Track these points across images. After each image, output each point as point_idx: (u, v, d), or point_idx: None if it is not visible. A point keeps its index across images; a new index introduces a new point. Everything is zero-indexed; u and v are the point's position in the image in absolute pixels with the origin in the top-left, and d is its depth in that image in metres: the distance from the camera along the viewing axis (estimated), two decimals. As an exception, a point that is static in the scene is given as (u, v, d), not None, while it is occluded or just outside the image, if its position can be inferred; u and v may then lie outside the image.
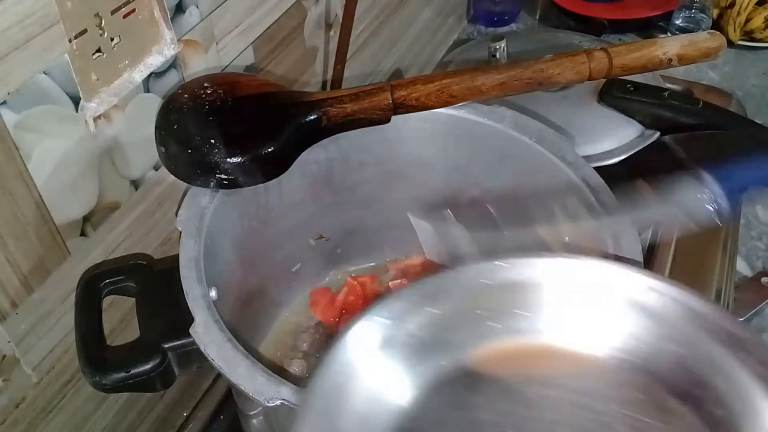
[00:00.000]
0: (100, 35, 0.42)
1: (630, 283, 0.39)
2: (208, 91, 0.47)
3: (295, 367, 0.54)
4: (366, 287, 0.60)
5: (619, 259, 0.43)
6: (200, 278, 0.42)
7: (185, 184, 0.47)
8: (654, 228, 0.65)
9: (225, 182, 0.46)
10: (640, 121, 0.74)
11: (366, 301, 0.59)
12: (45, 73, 0.39)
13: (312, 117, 0.48)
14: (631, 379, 0.38)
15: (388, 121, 0.49)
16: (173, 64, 0.48)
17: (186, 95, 0.47)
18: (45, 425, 0.47)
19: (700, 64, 1.03)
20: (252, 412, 0.48)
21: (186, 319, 0.40)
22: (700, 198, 0.45)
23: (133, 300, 0.46)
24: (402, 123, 0.55)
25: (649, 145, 0.71)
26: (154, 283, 0.46)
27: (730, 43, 1.04)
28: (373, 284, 0.61)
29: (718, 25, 1.05)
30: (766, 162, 0.52)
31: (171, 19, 0.46)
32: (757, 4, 1.03)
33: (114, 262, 0.49)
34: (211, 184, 0.46)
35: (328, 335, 0.58)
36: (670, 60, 0.49)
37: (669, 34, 1.06)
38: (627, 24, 1.07)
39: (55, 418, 0.47)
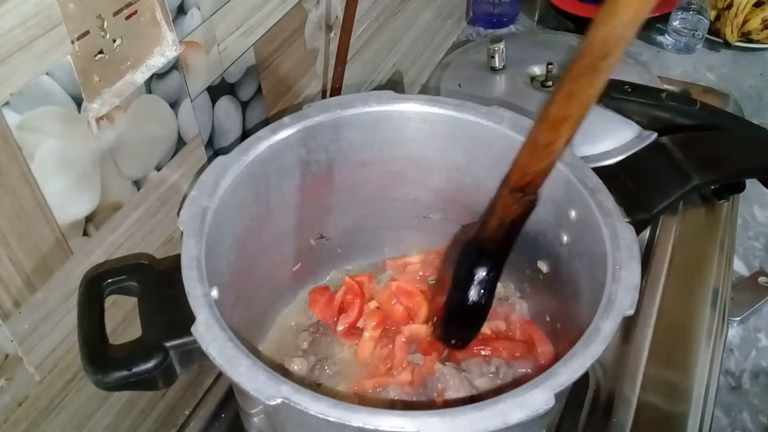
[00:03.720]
0: (103, 37, 0.42)
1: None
2: None
3: (296, 366, 0.54)
4: (363, 286, 0.61)
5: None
6: (202, 278, 0.42)
7: (187, 184, 0.47)
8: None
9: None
10: (637, 122, 0.75)
11: (364, 300, 0.60)
12: (47, 74, 0.39)
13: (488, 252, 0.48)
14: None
15: (533, 205, 0.46)
16: (175, 65, 0.49)
17: None
18: (47, 424, 0.47)
19: (697, 66, 1.04)
20: (253, 411, 0.48)
21: (187, 318, 0.40)
22: None
23: (135, 299, 0.46)
24: (402, 124, 0.56)
25: (646, 145, 0.71)
26: (156, 282, 0.46)
27: (728, 45, 1.04)
28: (371, 284, 0.62)
29: (715, 27, 1.05)
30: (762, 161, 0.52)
31: (173, 20, 0.47)
32: (754, 5, 1.03)
33: (116, 261, 0.49)
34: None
35: (327, 334, 0.59)
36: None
37: (667, 36, 1.06)
38: (625, 25, 1.08)
39: (58, 416, 0.48)
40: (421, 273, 0.62)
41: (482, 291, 0.47)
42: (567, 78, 0.38)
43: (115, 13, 0.42)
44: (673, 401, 0.59)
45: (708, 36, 1.05)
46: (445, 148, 0.57)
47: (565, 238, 0.52)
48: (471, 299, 0.47)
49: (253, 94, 0.60)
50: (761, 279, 0.73)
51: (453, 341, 0.52)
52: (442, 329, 0.52)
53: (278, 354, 0.57)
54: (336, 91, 0.68)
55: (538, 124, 0.41)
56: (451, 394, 0.52)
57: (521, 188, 0.44)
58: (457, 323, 0.51)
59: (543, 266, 0.56)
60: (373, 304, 0.59)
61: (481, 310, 0.48)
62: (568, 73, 0.38)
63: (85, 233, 0.45)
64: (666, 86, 0.80)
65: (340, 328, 0.58)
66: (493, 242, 0.47)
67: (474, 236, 0.48)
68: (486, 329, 0.57)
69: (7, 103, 0.37)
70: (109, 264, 0.48)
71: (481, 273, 0.47)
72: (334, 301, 0.60)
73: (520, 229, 0.47)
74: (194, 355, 0.42)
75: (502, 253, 0.48)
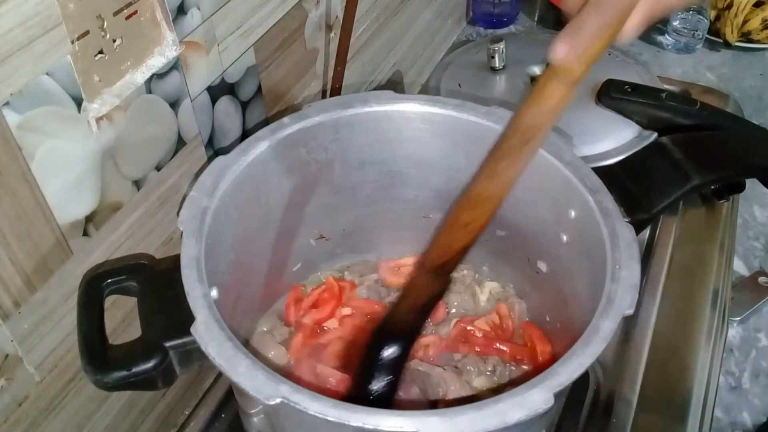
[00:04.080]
0: (103, 37, 0.42)
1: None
2: None
3: (271, 354, 0.55)
4: (344, 292, 0.60)
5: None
6: (201, 278, 0.42)
7: (187, 184, 0.47)
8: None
9: None
10: (637, 122, 0.75)
11: (339, 303, 0.59)
12: (47, 74, 0.39)
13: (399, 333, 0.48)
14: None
15: (446, 286, 0.47)
16: (175, 65, 0.49)
17: None
18: (47, 424, 0.47)
19: (697, 66, 1.04)
20: (253, 411, 0.48)
21: (187, 318, 0.40)
22: None
23: (134, 299, 0.46)
24: (402, 124, 0.56)
25: (646, 145, 0.71)
26: (156, 282, 0.46)
27: (728, 45, 1.04)
28: (352, 292, 0.61)
29: (715, 27, 1.05)
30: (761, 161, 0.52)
31: (173, 20, 0.47)
32: (754, 5, 1.03)
33: (116, 262, 0.49)
34: None
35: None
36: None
37: (667, 36, 1.06)
38: (625, 25, 1.08)
39: (58, 416, 0.48)
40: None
41: (390, 373, 0.47)
42: (490, 159, 0.39)
43: (115, 13, 0.42)
44: (673, 401, 0.59)
45: (708, 36, 1.05)
46: (445, 148, 0.57)
47: (564, 238, 0.52)
48: (378, 382, 0.47)
49: (253, 94, 0.60)
50: (761, 279, 0.73)
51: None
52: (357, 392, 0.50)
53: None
54: (336, 91, 0.68)
55: (460, 203, 0.41)
56: (452, 397, 0.52)
57: (439, 267, 0.44)
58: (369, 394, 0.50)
59: (542, 266, 0.56)
60: (346, 311, 0.59)
61: (389, 386, 0.48)
62: (492, 155, 0.39)
63: (85, 233, 0.46)
64: (666, 86, 0.80)
65: (306, 321, 0.58)
66: (405, 323, 0.47)
67: (388, 315, 0.48)
68: (478, 331, 0.57)
69: (7, 103, 0.37)
70: (109, 264, 0.48)
71: (390, 354, 0.46)
72: (304, 298, 0.60)
73: (432, 309, 0.47)
74: (194, 355, 0.42)
75: (412, 333, 0.48)
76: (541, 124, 0.37)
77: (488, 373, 0.54)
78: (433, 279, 0.45)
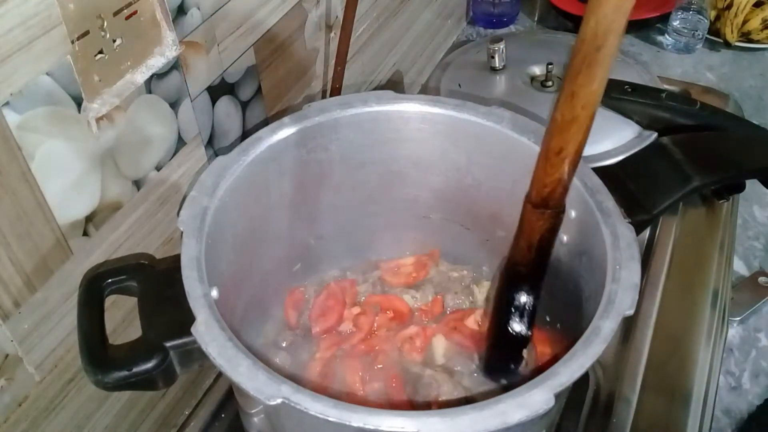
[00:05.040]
0: (103, 37, 0.42)
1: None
2: None
3: (278, 360, 0.54)
4: (346, 292, 0.60)
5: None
6: (201, 278, 0.42)
7: (187, 184, 0.47)
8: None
9: None
10: (637, 122, 0.75)
11: (344, 307, 0.59)
12: (47, 74, 0.39)
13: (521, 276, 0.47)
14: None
15: (558, 219, 0.44)
16: (175, 65, 0.49)
17: None
18: (47, 424, 0.47)
19: (697, 66, 1.04)
20: (253, 411, 0.48)
21: (187, 318, 0.40)
22: None
23: (135, 299, 0.46)
24: (402, 124, 0.56)
25: (646, 145, 0.71)
26: (156, 282, 0.46)
27: (728, 45, 1.04)
28: (353, 289, 0.61)
29: (715, 27, 1.05)
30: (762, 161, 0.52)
31: (173, 20, 0.47)
32: (754, 5, 1.03)
33: (116, 261, 0.49)
34: None
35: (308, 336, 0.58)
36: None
37: (667, 36, 1.06)
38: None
39: (58, 416, 0.48)
40: (414, 274, 0.62)
41: (519, 318, 0.46)
42: (566, 78, 0.38)
43: (115, 13, 0.42)
44: (673, 401, 0.59)
45: (708, 36, 1.05)
46: (445, 148, 0.57)
47: (565, 238, 0.52)
48: (509, 328, 0.46)
49: (253, 94, 0.60)
50: (761, 279, 0.73)
51: (497, 373, 0.52)
52: (486, 362, 0.52)
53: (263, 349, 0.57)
54: (336, 91, 0.68)
55: (548, 131, 0.40)
56: (445, 398, 0.52)
57: (542, 202, 0.43)
58: (499, 354, 0.50)
59: (543, 266, 0.56)
60: (355, 310, 0.59)
61: (521, 337, 0.47)
62: (567, 73, 0.38)
63: (85, 233, 0.45)
64: (666, 86, 0.80)
65: (315, 329, 0.58)
66: (524, 266, 0.46)
67: (506, 262, 0.47)
68: (474, 325, 0.57)
69: (7, 103, 0.37)
70: (109, 264, 0.48)
71: (517, 300, 0.46)
72: (305, 303, 0.59)
73: (550, 248, 0.45)
74: (194, 355, 0.42)
75: (535, 275, 0.46)
76: (609, 25, 0.35)
77: (476, 374, 0.54)
78: (541, 215, 0.43)
